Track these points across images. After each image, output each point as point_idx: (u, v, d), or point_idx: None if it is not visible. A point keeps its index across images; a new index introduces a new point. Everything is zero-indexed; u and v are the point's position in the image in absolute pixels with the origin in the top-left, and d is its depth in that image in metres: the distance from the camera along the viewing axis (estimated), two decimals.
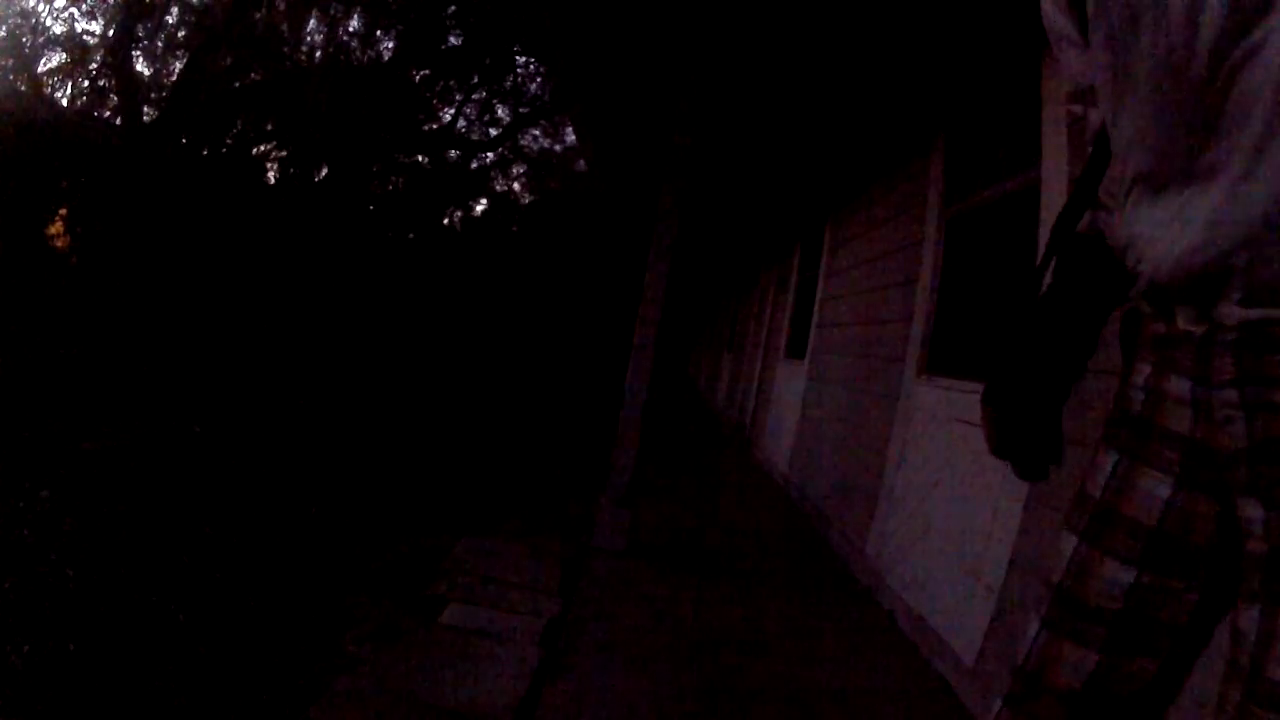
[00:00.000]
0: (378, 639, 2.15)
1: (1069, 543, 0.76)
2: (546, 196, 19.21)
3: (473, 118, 17.01)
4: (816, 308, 5.45)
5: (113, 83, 11.71)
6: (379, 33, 14.21)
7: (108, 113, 12.30)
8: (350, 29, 14.12)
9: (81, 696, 1.67)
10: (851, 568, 3.49)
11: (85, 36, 12.22)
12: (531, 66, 15.14)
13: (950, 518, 2.62)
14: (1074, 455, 0.94)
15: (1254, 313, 0.60)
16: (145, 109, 11.81)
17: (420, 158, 16.67)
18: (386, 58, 14.25)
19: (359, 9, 13.56)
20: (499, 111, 17.20)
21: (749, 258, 9.43)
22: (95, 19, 12.19)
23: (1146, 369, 0.74)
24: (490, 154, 18.07)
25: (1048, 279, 0.87)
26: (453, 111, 16.49)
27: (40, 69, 12.06)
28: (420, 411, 6.89)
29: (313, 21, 13.74)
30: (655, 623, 2.56)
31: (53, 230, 9.21)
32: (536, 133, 17.96)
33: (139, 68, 12.45)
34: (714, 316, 15.64)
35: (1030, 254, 2.36)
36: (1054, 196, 2.27)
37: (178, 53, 12.89)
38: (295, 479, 3.77)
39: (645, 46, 3.53)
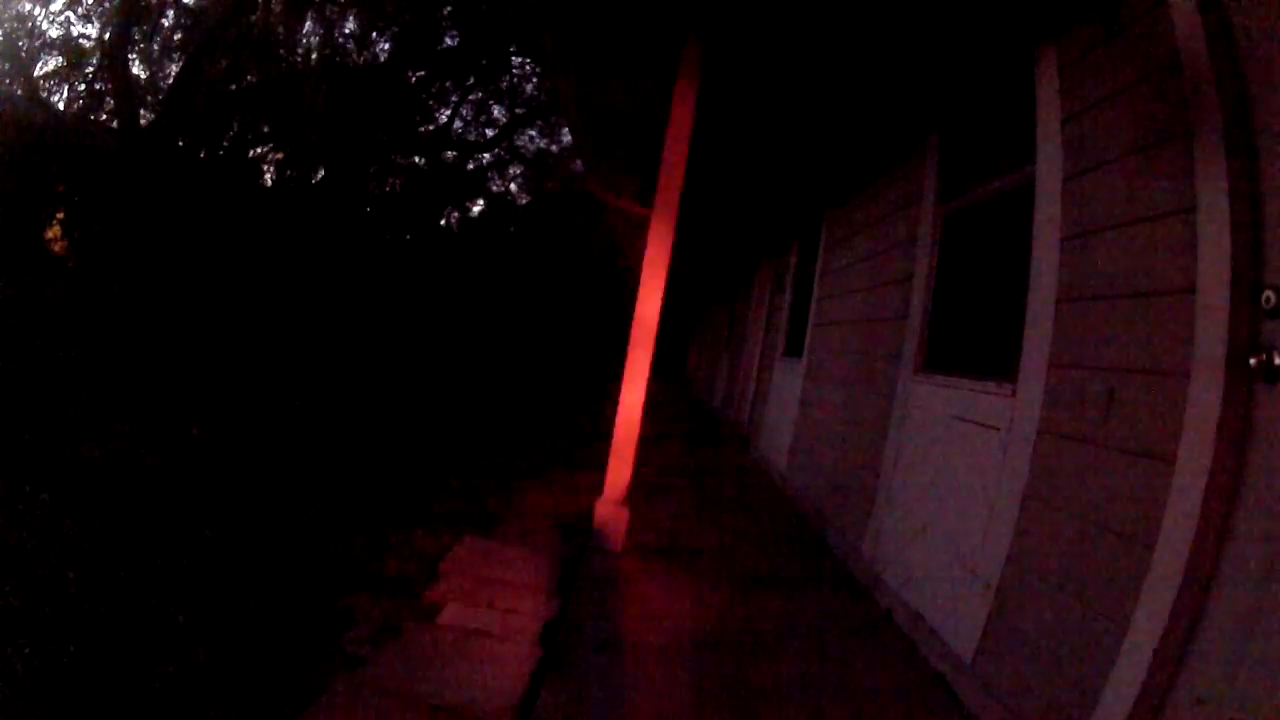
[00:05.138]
0: (378, 639, 2.16)
1: None
2: (543, 197, 19.23)
3: (469, 119, 17.05)
4: (813, 306, 5.46)
5: (109, 86, 11.71)
6: (375, 34, 14.22)
7: (104, 116, 12.30)
8: (346, 30, 14.13)
9: (82, 697, 1.68)
10: (849, 566, 3.50)
11: (82, 40, 12.24)
12: (527, 67, 15.18)
13: (947, 515, 2.63)
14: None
15: None
16: (142, 112, 11.81)
17: (417, 159, 16.70)
18: (383, 59, 14.27)
19: (355, 11, 13.57)
20: (495, 112, 17.25)
21: (746, 258, 9.44)
22: (92, 22, 12.19)
23: None
24: (487, 155, 18.11)
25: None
26: (449, 112, 16.53)
27: (37, 72, 12.07)
28: (419, 412, 6.89)
29: (309, 23, 13.74)
30: (653, 621, 2.56)
31: (50, 234, 9.22)
32: (533, 133, 18.01)
33: (135, 71, 12.46)
34: (712, 317, 15.65)
35: (1025, 250, 2.37)
36: (1048, 193, 2.28)
37: (174, 56, 12.89)
38: (294, 480, 3.78)
39: (642, 39, 3.54)
